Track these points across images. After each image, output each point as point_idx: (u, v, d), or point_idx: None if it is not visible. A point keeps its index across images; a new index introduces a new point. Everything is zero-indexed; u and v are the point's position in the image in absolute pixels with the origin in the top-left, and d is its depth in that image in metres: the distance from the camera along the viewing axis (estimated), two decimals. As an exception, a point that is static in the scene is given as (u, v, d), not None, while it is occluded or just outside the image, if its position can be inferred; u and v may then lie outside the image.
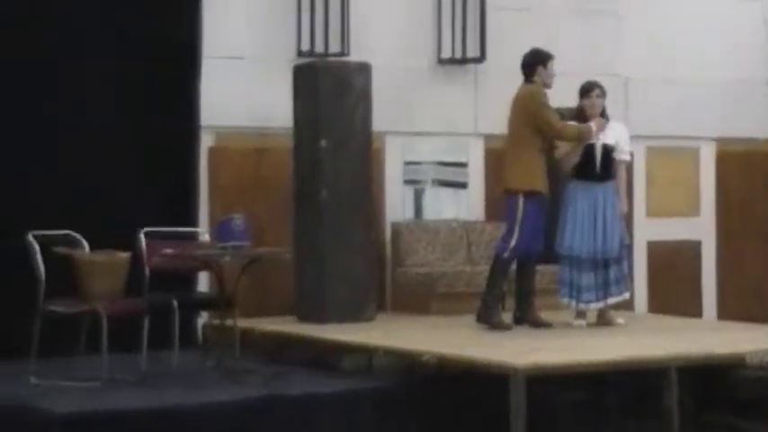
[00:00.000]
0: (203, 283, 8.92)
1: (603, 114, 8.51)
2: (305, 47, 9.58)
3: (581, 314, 8.49)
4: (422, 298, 9.43)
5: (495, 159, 9.55)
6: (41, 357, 7.39)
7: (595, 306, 8.45)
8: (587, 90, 8.53)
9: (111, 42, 8.78)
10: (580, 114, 8.52)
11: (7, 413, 6.65)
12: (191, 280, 8.74)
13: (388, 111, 9.52)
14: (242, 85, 9.41)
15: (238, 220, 7.70)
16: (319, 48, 9.59)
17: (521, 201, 8.25)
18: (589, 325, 8.44)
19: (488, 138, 10.07)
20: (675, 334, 8.12)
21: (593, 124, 8.40)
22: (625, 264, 8.49)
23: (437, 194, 10.23)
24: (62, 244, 7.50)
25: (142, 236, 7.75)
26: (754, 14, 11.26)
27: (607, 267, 8.39)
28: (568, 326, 8.40)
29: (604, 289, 8.39)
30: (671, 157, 10.98)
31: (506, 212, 8.42)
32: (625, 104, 10.59)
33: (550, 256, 8.57)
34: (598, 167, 8.42)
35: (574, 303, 8.43)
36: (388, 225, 9.91)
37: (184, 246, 7.96)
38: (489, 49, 10.06)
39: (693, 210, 11.00)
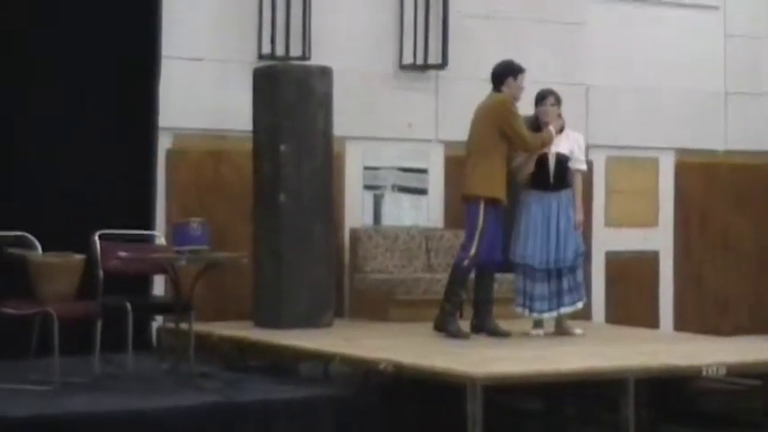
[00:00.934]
0: (159, 286, 8.82)
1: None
2: (266, 50, 9.51)
3: (538, 324, 8.47)
4: (380, 305, 9.38)
5: (456, 166, 9.52)
6: (-7, 360, 7.28)
7: (548, 315, 8.44)
8: (542, 97, 8.52)
9: (68, 42, 8.67)
10: (535, 122, 8.49)
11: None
12: (146, 283, 8.65)
13: (349, 116, 9.48)
14: (202, 87, 9.34)
15: (196, 224, 7.62)
16: (280, 51, 9.52)
17: (481, 208, 8.22)
18: (547, 335, 8.42)
19: (449, 144, 10.05)
20: (633, 345, 8.11)
21: (551, 128, 8.39)
22: (580, 273, 8.46)
23: (397, 200, 10.20)
24: (16, 245, 7.39)
25: (97, 238, 7.65)
26: (715, 27, 11.31)
27: (560, 277, 8.38)
28: (526, 335, 8.37)
29: (557, 298, 8.37)
30: (631, 166, 11.01)
31: (466, 220, 8.39)
32: (586, 113, 10.60)
33: (510, 265, 8.54)
34: (552, 177, 8.40)
35: (527, 313, 8.40)
36: (348, 231, 9.86)
37: (140, 249, 7.88)
38: (451, 55, 10.04)
39: (652, 220, 11.03)
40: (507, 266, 8.58)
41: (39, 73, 8.57)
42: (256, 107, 9.00)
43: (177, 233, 7.73)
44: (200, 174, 9.37)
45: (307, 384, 7.53)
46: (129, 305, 7.44)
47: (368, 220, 10.05)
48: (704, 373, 7.20)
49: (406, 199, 10.25)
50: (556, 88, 10.36)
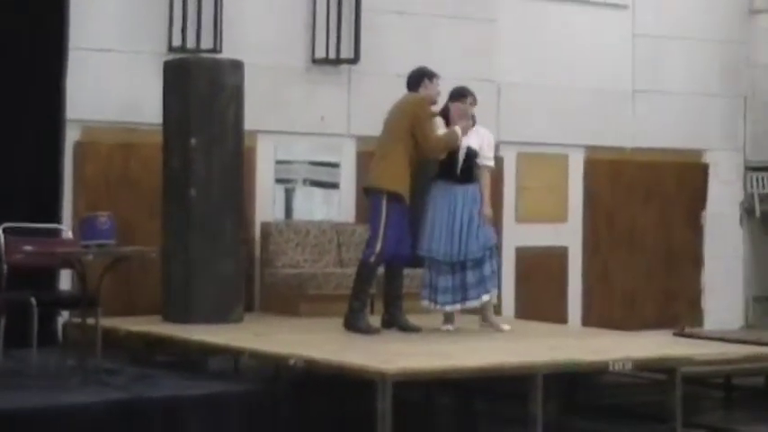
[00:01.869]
0: (66, 281, 8.69)
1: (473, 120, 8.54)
2: (176, 42, 9.41)
3: (449, 319, 8.50)
4: (291, 299, 9.35)
5: (367, 161, 9.50)
6: None
7: (451, 308, 8.43)
8: (461, 95, 8.54)
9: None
10: (445, 115, 8.50)
11: None
12: (52, 278, 8.50)
13: (260, 109, 9.42)
14: (110, 79, 9.21)
15: (103, 218, 7.53)
16: (191, 43, 9.43)
17: (384, 202, 8.23)
18: (462, 329, 8.45)
19: (361, 139, 10.04)
20: (541, 340, 8.18)
21: (458, 128, 8.41)
22: (487, 266, 8.44)
23: (309, 194, 10.17)
24: None
25: (1, 231, 7.50)
26: (623, 26, 11.46)
27: (464, 270, 8.39)
28: (437, 330, 8.40)
29: (462, 292, 8.39)
30: (541, 163, 11.10)
31: (370, 216, 8.39)
32: (497, 110, 10.67)
33: (419, 259, 8.55)
34: (459, 170, 8.43)
35: (432, 305, 8.42)
36: (259, 225, 9.80)
37: (46, 243, 7.76)
38: (363, 50, 10.02)
39: (561, 216, 11.14)
40: (418, 261, 8.60)
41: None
42: (167, 100, 8.90)
43: (84, 227, 7.64)
44: (109, 167, 9.24)
45: (215, 380, 7.48)
46: (33, 300, 7.32)
47: (279, 214, 10.00)
48: (611, 367, 7.29)
49: (318, 193, 10.22)
50: (467, 84, 10.47)
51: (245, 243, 9.29)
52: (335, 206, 10.19)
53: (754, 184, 11.86)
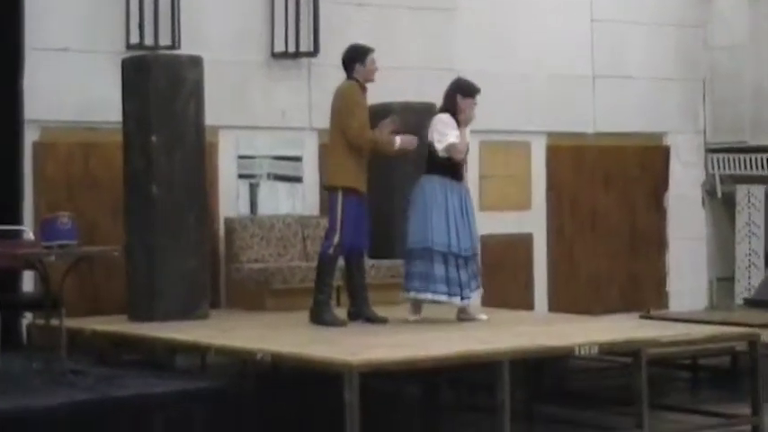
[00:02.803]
0: (29, 282, 8.63)
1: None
2: (134, 39, 9.36)
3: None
4: (257, 294, 9.33)
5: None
6: None
7: (467, 301, 8.38)
8: (472, 92, 8.45)
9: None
10: (451, 109, 8.43)
11: None
12: (15, 280, 8.45)
13: (221, 105, 9.40)
14: (69, 78, 9.16)
15: (65, 218, 7.48)
16: (149, 41, 9.38)
17: (339, 197, 8.24)
18: (424, 319, 8.46)
19: (322, 132, 9.99)
20: (507, 327, 8.21)
21: (398, 139, 8.35)
22: (478, 258, 8.54)
23: (272, 189, 10.14)
24: None
25: (-38, 234, 7.47)
26: (583, 11, 11.50)
27: (471, 264, 8.43)
28: (404, 321, 8.40)
29: (472, 282, 8.41)
30: (503, 151, 11.13)
31: (328, 210, 8.39)
32: (458, 99, 10.66)
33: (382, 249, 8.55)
34: (464, 167, 8.45)
35: (457, 300, 8.32)
36: (222, 220, 9.78)
37: (8, 244, 7.71)
38: (323, 43, 10.01)
39: (525, 203, 11.17)
40: (382, 252, 8.59)
41: None
42: (126, 98, 8.86)
43: (46, 228, 7.58)
44: (70, 167, 9.20)
45: (182, 377, 7.47)
46: (-4, 303, 7.28)
47: (244, 209, 9.98)
48: (577, 352, 7.33)
49: (282, 187, 10.20)
50: (428, 74, 10.55)
51: (210, 239, 9.26)
52: (300, 200, 10.17)
53: (715, 165, 11.95)
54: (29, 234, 8.21)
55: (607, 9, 11.58)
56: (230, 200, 9.89)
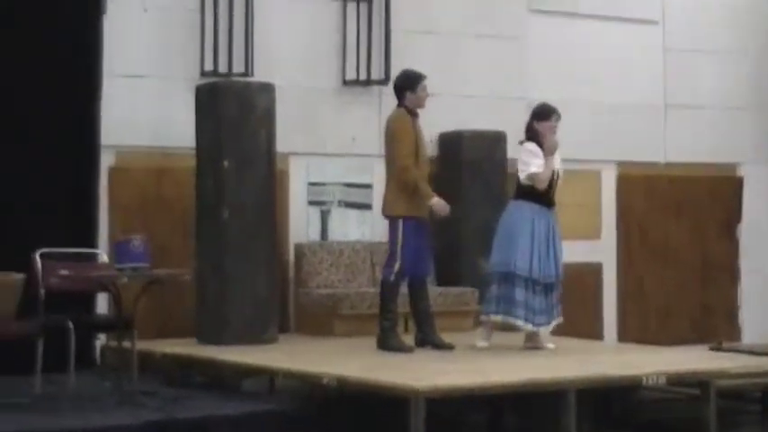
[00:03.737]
0: (102, 304, 8.78)
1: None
2: (208, 66, 9.52)
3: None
4: (325, 319, 9.39)
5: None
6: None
7: (545, 329, 8.43)
8: (548, 114, 8.51)
9: (10, 58, 8.63)
10: (534, 137, 8.48)
11: None
12: (89, 301, 8.60)
13: (292, 131, 9.50)
14: (144, 105, 9.32)
15: (137, 241, 7.61)
16: (223, 68, 9.53)
17: (400, 225, 8.30)
18: (492, 346, 8.44)
19: (393, 160, 10.06)
20: (576, 356, 8.18)
21: (435, 199, 8.26)
22: (559, 287, 8.56)
23: (343, 215, 10.21)
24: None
25: (38, 256, 7.60)
26: (654, 40, 11.46)
27: (552, 291, 8.45)
28: (471, 347, 8.41)
29: (550, 312, 8.43)
30: (573, 179, 11.05)
31: (388, 236, 8.43)
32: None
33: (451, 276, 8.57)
34: (552, 193, 8.47)
35: (529, 326, 8.34)
36: (292, 246, 9.86)
37: (82, 267, 7.84)
38: (394, 71, 10.05)
39: (595, 232, 11.13)
40: (450, 278, 8.59)
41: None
42: (199, 123, 9.00)
43: (119, 251, 7.71)
44: (143, 191, 9.34)
45: (249, 400, 7.53)
46: (71, 324, 7.40)
47: (314, 235, 10.06)
48: (644, 382, 7.28)
49: (352, 214, 10.27)
50: (497, 102, 10.58)
51: (280, 264, 9.35)
52: (369, 226, 10.23)
53: (789, 196, 11.80)
54: (103, 257, 8.35)
55: (678, 38, 11.52)
56: (301, 226, 9.98)
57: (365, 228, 10.21)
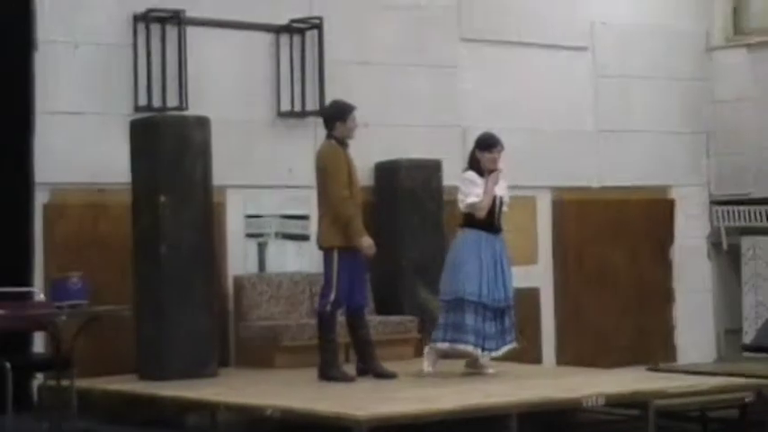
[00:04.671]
0: (39, 343, 8.69)
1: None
2: (142, 101, 9.50)
3: (434, 361, 8.51)
4: (266, 352, 9.37)
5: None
6: None
7: (495, 354, 8.48)
8: (491, 145, 8.59)
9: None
10: (475, 165, 8.56)
11: None
12: (26, 341, 8.50)
13: (228, 164, 9.48)
14: (78, 141, 9.27)
15: (75, 279, 7.57)
16: (157, 102, 9.51)
17: (335, 255, 8.34)
18: (442, 373, 8.47)
19: (329, 190, 10.08)
20: (515, 380, 8.24)
21: (366, 239, 8.33)
22: (512, 313, 8.61)
23: (281, 247, 10.20)
24: None
25: (-27, 296, 7.53)
26: (585, 66, 11.62)
27: (503, 316, 8.50)
28: (416, 375, 8.43)
29: (502, 337, 8.48)
30: (510, 206, 11.16)
31: (324, 267, 8.45)
32: (463, 156, 10.74)
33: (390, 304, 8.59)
34: (497, 219, 8.53)
35: (479, 351, 8.40)
36: (231, 279, 9.84)
37: (19, 306, 7.76)
38: (328, 101, 10.10)
39: (531, 258, 11.22)
40: (390, 307, 8.60)
41: None
42: (134, 159, 8.97)
43: (56, 288, 7.69)
44: (79, 228, 9.27)
45: (192, 435, 7.49)
46: (8, 364, 7.32)
47: (252, 267, 10.04)
48: (584, 404, 7.35)
49: (290, 246, 10.26)
50: (433, 131, 10.66)
51: (219, 298, 9.32)
52: (307, 258, 10.23)
53: (720, 217, 11.99)
54: (39, 295, 8.28)
55: (610, 64, 11.70)
56: (239, 259, 9.95)
57: (303, 259, 10.21)
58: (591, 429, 8.81)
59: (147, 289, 8.78)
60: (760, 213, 11.72)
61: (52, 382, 7.97)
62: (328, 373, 8.26)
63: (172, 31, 9.60)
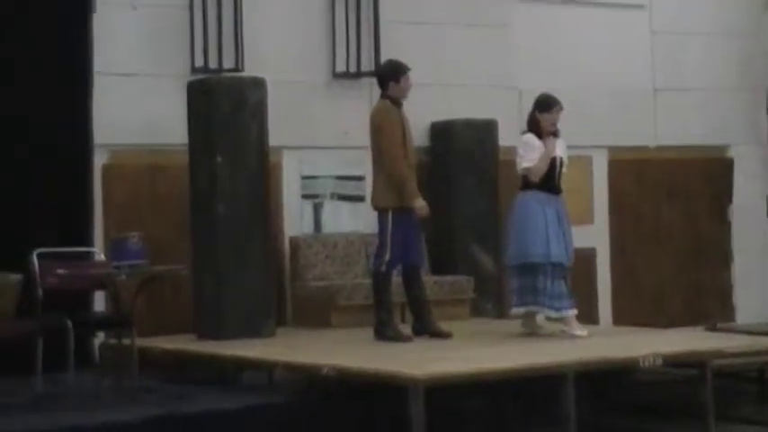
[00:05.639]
0: (100, 302, 8.81)
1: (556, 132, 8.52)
2: (198, 63, 9.54)
3: (529, 322, 8.48)
4: (322, 311, 9.43)
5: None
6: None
7: (567, 313, 8.40)
8: (550, 105, 8.53)
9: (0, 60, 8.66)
10: (535, 128, 8.51)
11: None
12: (87, 300, 8.63)
13: (284, 125, 9.51)
14: (136, 102, 9.34)
15: (134, 239, 7.66)
16: (213, 64, 9.55)
17: (389, 215, 8.34)
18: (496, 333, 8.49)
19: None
20: (572, 341, 8.22)
21: (420, 200, 8.29)
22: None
23: (336, 208, 10.25)
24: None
25: (35, 257, 7.63)
26: (641, 24, 11.50)
27: (566, 277, 8.49)
28: (468, 335, 8.45)
29: (570, 299, 8.43)
30: (567, 166, 11.13)
31: (378, 227, 8.46)
32: (519, 116, 10.70)
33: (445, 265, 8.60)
34: (557, 181, 8.50)
35: (553, 313, 8.37)
36: (287, 239, 9.90)
37: (79, 266, 7.87)
38: (384, 61, 10.10)
39: (587, 218, 11.17)
40: (445, 267, 8.58)
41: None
42: (191, 120, 9.03)
43: (116, 248, 7.76)
44: (137, 189, 9.37)
45: (249, 393, 7.57)
46: (69, 323, 7.43)
47: (308, 228, 10.09)
48: (641, 363, 7.33)
49: (345, 207, 10.30)
50: (487, 91, 10.61)
51: (275, 258, 9.39)
52: (362, 218, 10.26)
53: (780, 176, 11.85)
54: (100, 255, 8.38)
55: (667, 21, 11.57)
56: (294, 219, 10.01)
57: (358, 220, 10.25)
58: (648, 389, 8.80)
59: (205, 249, 8.85)
60: (819, 171, 11.58)
61: (113, 341, 8.08)
62: (384, 332, 8.30)
63: (228, -8, 9.63)
